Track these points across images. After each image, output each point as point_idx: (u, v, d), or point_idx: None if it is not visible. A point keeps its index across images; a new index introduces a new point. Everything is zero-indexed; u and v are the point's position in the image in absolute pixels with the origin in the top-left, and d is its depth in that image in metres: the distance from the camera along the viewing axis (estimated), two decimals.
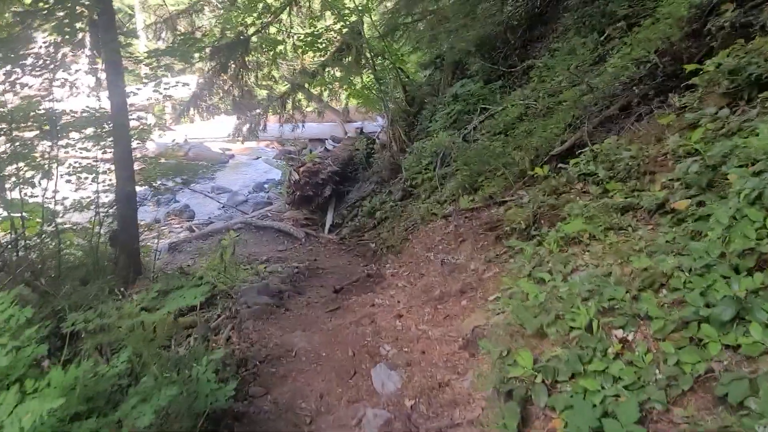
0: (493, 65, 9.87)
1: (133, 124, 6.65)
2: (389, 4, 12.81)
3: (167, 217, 12.89)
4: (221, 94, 13.06)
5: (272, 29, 12.62)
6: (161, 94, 6.71)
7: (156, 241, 7.51)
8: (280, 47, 12.18)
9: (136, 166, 7.18)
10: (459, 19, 9.44)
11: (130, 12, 15.33)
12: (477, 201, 5.55)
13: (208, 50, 11.48)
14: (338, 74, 12.56)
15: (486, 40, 10.29)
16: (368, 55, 10.75)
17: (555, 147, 5.16)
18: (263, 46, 11.93)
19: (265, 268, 8.05)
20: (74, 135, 6.11)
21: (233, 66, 12.25)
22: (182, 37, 5.80)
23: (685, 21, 4.70)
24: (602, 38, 7.54)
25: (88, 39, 5.93)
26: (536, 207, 3.80)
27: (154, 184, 6.31)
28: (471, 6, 9.58)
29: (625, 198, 2.97)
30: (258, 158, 19.39)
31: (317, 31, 11.19)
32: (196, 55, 12.23)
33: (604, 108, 4.86)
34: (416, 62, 14.43)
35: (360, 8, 11.12)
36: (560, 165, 4.47)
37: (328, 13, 12.64)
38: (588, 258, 2.66)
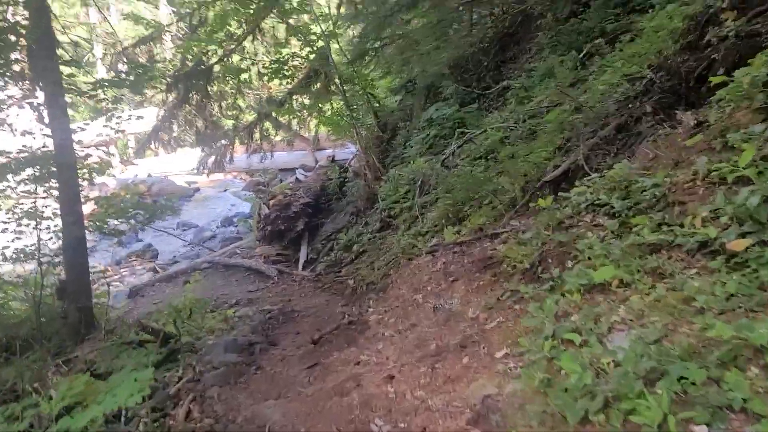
0: (467, 88, 9.54)
1: (92, 160, 6.06)
2: (356, 30, 12.50)
3: (129, 258, 12.11)
4: (184, 126, 12.48)
5: (236, 57, 12.14)
6: (113, 128, 6.12)
7: (109, 289, 6.77)
8: (245, 75, 11.68)
9: (88, 208, 6.53)
10: (431, 42, 9.10)
11: (87, 44, 14.70)
12: (465, 233, 5.06)
13: (168, 80, 10.92)
14: (307, 102, 12.10)
15: (459, 63, 9.99)
16: (338, 80, 10.32)
17: (547, 172, 4.73)
18: (227, 74, 11.42)
19: (234, 312, 7.41)
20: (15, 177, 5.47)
21: (196, 96, 11.70)
22: (132, 67, 5.22)
23: (679, 33, 4.36)
24: (581, 56, 7.26)
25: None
26: (541, 243, 3.31)
27: (104, 229, 5.66)
28: (442, 28, 9.26)
29: (655, 234, 2.51)
30: (226, 190, 18.72)
31: (283, 57, 10.74)
32: (156, 85, 11.69)
33: (598, 128, 4.45)
34: (386, 87, 14.10)
35: (327, 33, 10.73)
36: (559, 193, 4.03)
37: (293, 40, 12.23)
38: (625, 312, 2.17)
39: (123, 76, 5.46)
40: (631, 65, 4.53)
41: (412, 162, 8.68)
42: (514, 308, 3.14)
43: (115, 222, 6.01)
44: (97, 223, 5.72)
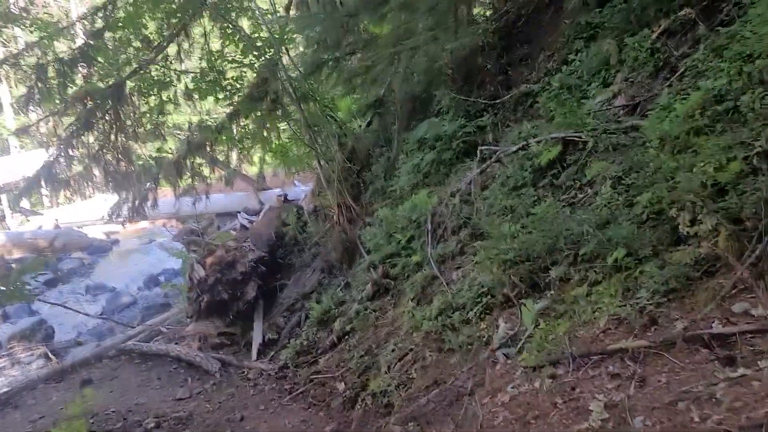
0: (467, 99, 7.24)
1: None
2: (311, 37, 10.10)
3: (10, 342, 8.80)
4: (87, 163, 9.47)
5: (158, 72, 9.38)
6: None
7: None
8: (168, 93, 8.95)
9: None
10: (425, 33, 6.75)
11: None
12: (606, 325, 2.56)
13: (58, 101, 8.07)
14: (251, 127, 9.43)
15: (452, 67, 7.72)
16: (294, 95, 7.78)
17: None
18: (145, 91, 8.66)
19: None
20: None
21: (102, 121, 8.84)
22: None
23: None
24: (656, 35, 5.15)
25: None
26: None
27: None
28: (440, 15, 6.93)
29: None
30: (151, 242, 15.51)
31: (219, 66, 8.06)
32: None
33: None
34: (348, 109, 11.66)
35: (276, 38, 8.21)
36: None
37: (231, 50, 9.62)
38: None
39: None
40: None
41: (408, 198, 6.22)
42: None
43: None
44: None
